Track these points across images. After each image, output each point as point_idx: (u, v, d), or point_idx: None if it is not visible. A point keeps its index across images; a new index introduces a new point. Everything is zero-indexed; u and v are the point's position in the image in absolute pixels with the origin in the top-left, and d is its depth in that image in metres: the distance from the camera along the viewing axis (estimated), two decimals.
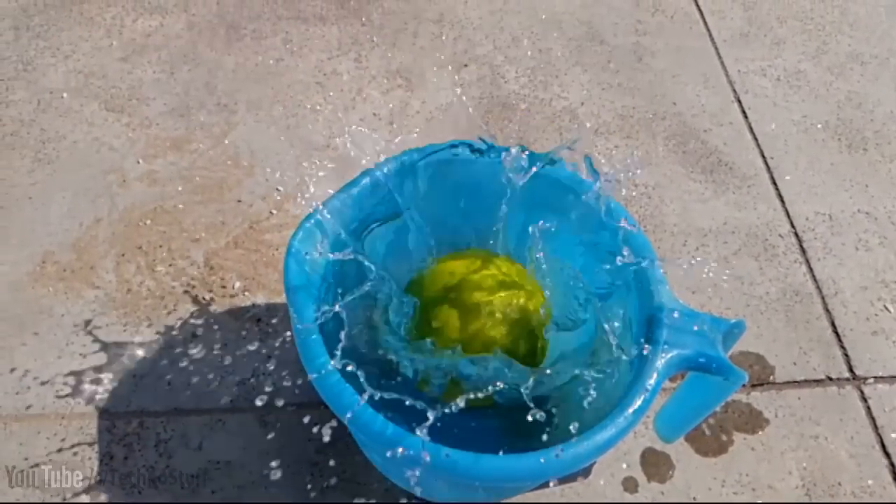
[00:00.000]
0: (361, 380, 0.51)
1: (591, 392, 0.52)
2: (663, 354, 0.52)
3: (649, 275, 0.56)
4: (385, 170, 0.62)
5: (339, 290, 0.59)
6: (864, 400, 0.76)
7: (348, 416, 0.49)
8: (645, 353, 0.52)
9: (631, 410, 0.50)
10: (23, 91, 0.95)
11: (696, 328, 0.53)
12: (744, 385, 0.74)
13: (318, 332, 0.53)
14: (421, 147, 0.63)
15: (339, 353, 0.52)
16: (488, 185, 0.63)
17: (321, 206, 0.58)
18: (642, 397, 0.50)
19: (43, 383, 0.71)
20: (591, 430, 0.49)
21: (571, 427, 0.50)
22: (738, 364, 0.77)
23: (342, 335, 0.53)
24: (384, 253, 0.66)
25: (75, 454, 0.67)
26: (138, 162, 0.88)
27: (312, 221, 0.58)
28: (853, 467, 0.71)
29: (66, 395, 0.70)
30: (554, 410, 0.58)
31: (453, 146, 0.63)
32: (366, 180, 0.61)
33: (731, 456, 0.71)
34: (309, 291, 0.55)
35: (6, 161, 0.88)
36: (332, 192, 0.60)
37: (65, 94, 0.95)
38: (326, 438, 0.67)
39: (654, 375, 0.51)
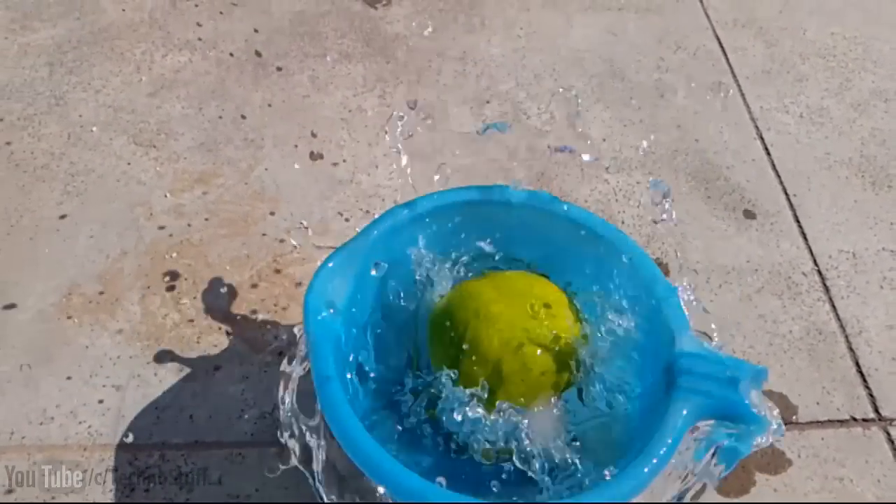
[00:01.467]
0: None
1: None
2: (685, 402, 0.52)
3: (670, 318, 0.56)
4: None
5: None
6: (892, 442, 0.75)
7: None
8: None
9: (654, 461, 0.49)
10: (54, 125, 0.97)
11: (718, 374, 0.53)
12: None
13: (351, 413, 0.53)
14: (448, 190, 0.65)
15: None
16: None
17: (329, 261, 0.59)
18: (664, 447, 0.50)
19: (66, 414, 0.72)
20: (610, 481, 0.48)
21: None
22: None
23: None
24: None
25: (97, 486, 0.67)
26: (165, 196, 0.90)
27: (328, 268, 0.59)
28: None
29: (89, 427, 0.71)
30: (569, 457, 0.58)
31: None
32: (387, 223, 0.62)
33: (752, 497, 0.70)
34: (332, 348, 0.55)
35: (36, 193, 0.90)
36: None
37: (94, 128, 0.97)
38: (349, 475, 0.67)
39: (676, 425, 0.51)
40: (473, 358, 0.58)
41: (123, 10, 1.12)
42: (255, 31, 1.11)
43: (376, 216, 0.64)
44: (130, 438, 0.71)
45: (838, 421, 0.77)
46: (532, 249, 0.67)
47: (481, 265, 0.69)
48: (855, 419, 0.77)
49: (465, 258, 0.67)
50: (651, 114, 1.03)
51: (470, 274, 0.67)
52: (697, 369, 0.54)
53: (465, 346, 0.58)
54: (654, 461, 0.49)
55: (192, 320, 0.79)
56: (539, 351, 0.58)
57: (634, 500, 0.50)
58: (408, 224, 0.64)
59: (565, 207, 0.65)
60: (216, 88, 1.03)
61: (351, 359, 0.60)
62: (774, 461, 0.73)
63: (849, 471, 0.72)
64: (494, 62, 1.08)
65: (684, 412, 0.52)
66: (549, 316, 0.60)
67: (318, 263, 0.61)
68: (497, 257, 0.68)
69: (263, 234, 0.87)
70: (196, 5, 1.14)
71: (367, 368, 0.62)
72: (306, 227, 0.85)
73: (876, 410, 0.77)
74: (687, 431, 0.52)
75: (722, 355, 0.55)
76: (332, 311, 0.57)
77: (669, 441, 0.51)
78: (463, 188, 0.66)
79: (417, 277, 0.65)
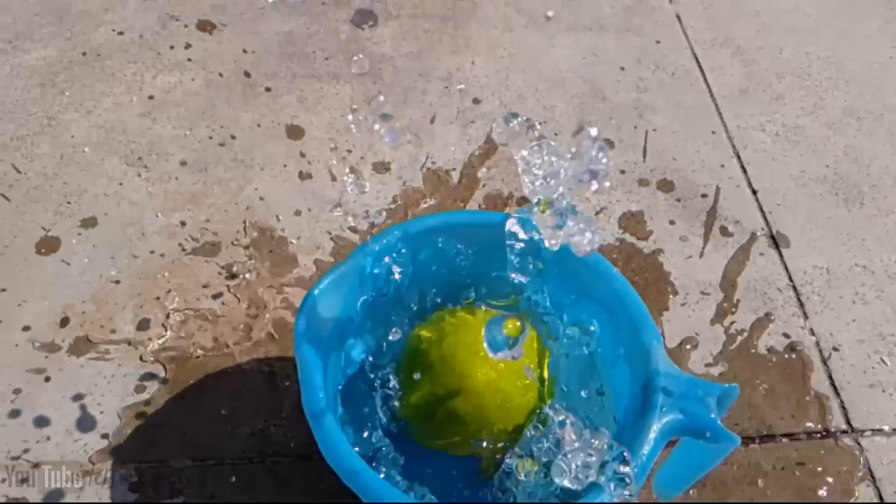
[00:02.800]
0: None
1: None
2: (659, 421, 0.55)
3: (644, 339, 0.59)
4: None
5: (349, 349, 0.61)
6: (863, 453, 0.78)
7: None
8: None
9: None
10: (46, 145, 0.99)
11: (690, 393, 0.56)
12: (743, 438, 0.76)
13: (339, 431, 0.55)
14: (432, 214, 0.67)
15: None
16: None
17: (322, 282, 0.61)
18: (638, 464, 0.52)
19: (62, 433, 0.74)
20: (585, 498, 0.51)
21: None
22: (736, 417, 0.79)
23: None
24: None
25: (92, 502, 0.69)
26: (157, 216, 0.92)
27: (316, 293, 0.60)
28: None
29: (84, 445, 0.73)
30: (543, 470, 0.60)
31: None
32: (372, 248, 0.64)
33: None
34: (320, 368, 0.57)
35: (29, 214, 0.91)
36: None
37: (86, 149, 0.99)
38: (335, 490, 0.69)
39: (651, 442, 0.54)
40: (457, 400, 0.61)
41: (114, 30, 1.14)
42: (244, 51, 1.13)
43: (365, 236, 0.67)
44: (125, 456, 0.72)
45: (812, 433, 0.79)
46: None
47: (462, 288, 0.71)
48: (828, 431, 0.80)
49: (447, 282, 0.70)
50: (631, 133, 1.06)
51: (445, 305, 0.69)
52: (672, 388, 0.56)
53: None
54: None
55: (184, 339, 0.81)
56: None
57: None
58: (398, 246, 0.66)
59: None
60: (206, 109, 1.05)
61: (341, 382, 0.62)
62: (750, 473, 0.76)
63: (821, 481, 0.75)
64: (479, 82, 1.11)
65: (659, 429, 0.55)
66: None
67: (309, 284, 0.63)
68: (480, 278, 0.71)
69: (254, 255, 0.89)
70: (185, 26, 1.16)
71: (358, 388, 0.64)
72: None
73: (848, 422, 0.80)
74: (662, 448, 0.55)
75: (694, 377, 0.57)
76: (322, 334, 0.59)
77: (645, 457, 0.53)
78: (452, 212, 0.69)
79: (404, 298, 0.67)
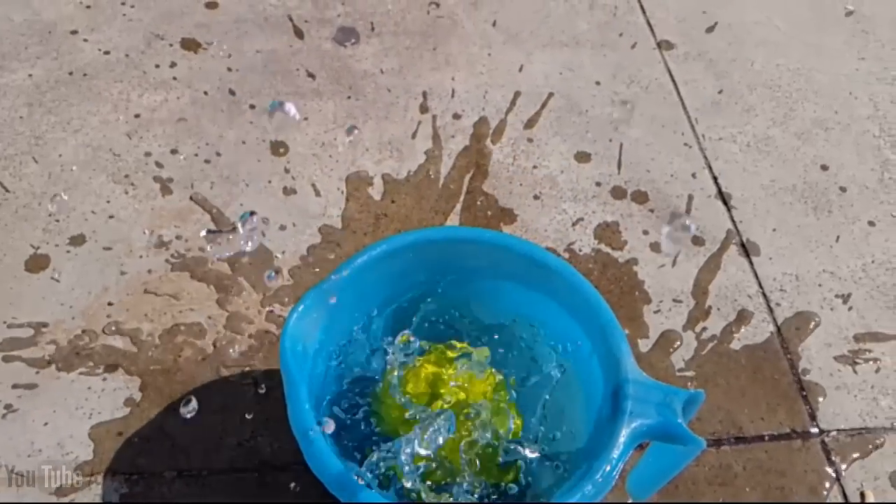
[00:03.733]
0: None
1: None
2: (628, 426, 0.58)
3: (614, 348, 0.61)
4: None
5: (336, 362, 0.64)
6: (827, 452, 0.81)
7: None
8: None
9: (598, 479, 0.55)
10: (34, 164, 1.01)
11: (658, 399, 0.59)
12: (714, 440, 0.79)
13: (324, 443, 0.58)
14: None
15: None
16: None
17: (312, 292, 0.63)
18: (608, 468, 0.55)
19: (53, 446, 0.76)
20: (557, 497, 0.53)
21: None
22: (707, 419, 0.82)
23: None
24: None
25: None
26: (144, 232, 0.94)
27: (304, 306, 0.63)
28: None
29: (75, 458, 0.75)
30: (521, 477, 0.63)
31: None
32: (362, 259, 0.66)
33: None
34: (305, 378, 0.60)
35: (18, 232, 0.93)
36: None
37: (74, 168, 1.01)
38: (321, 500, 0.72)
39: (620, 446, 0.56)
40: None
41: (100, 49, 1.16)
42: (229, 69, 1.15)
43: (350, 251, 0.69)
44: (116, 468, 0.74)
45: (781, 434, 0.82)
46: (486, 283, 0.73)
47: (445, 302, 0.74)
48: (796, 432, 0.83)
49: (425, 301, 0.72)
50: (606, 146, 1.09)
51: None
52: (641, 394, 0.59)
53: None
54: (600, 479, 0.55)
55: (172, 353, 0.83)
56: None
57: None
58: (380, 262, 0.68)
59: (515, 242, 0.71)
60: (192, 126, 1.07)
61: (326, 394, 0.65)
62: (722, 474, 0.79)
63: (789, 480, 0.78)
64: (459, 98, 1.14)
65: (629, 433, 0.57)
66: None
67: (294, 298, 0.66)
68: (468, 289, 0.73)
69: (239, 270, 0.91)
70: (170, 45, 1.18)
71: (343, 400, 0.67)
72: (278, 270, 0.90)
73: (815, 423, 0.83)
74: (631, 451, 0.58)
75: (661, 383, 0.60)
76: (307, 348, 0.61)
77: (615, 460, 0.56)
78: (434, 228, 0.71)
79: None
